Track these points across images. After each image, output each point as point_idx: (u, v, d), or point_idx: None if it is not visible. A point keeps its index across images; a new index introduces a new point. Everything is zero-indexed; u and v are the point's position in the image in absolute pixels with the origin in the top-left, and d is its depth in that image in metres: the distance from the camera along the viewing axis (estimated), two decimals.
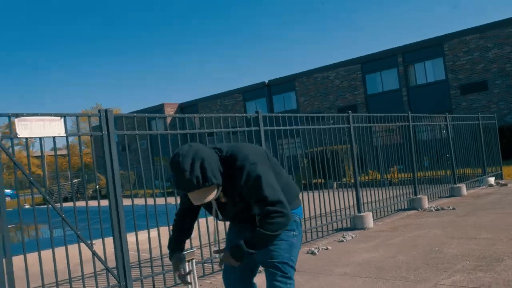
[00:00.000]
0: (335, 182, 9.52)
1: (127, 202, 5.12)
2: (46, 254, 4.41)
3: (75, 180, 23.83)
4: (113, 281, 4.73)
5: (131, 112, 34.55)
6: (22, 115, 4.36)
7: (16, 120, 4.36)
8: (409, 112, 10.36)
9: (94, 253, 4.59)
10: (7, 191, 18.56)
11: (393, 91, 25.95)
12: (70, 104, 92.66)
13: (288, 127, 6.97)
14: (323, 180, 7.98)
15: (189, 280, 2.90)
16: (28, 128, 4.45)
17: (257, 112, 6.46)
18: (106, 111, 4.92)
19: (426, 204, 9.57)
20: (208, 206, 2.67)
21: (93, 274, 4.72)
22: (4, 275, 4.02)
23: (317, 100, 28.84)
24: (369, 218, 7.82)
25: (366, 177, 9.99)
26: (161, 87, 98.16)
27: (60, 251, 4.49)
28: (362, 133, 8.81)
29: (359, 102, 27.03)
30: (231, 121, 6.11)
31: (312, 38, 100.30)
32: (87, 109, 50.68)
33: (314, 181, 8.04)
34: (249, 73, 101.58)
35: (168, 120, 32.54)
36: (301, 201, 2.88)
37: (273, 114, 6.89)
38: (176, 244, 2.80)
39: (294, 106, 30.01)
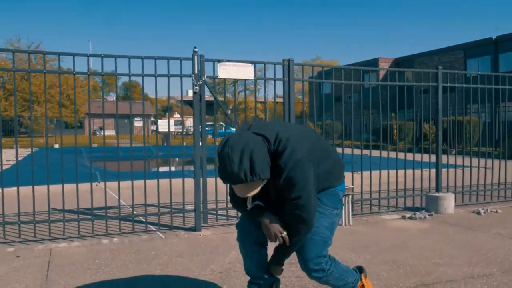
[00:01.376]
0: None
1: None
2: None
3: None
4: None
5: (347, 65, 35.34)
6: (223, 61, 5.51)
7: (218, 65, 5.54)
8: None
9: None
10: (222, 130, 21.55)
11: None
12: (298, 54, 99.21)
13: (472, 86, 6.81)
14: None
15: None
16: (226, 71, 5.60)
17: (437, 68, 6.53)
18: (288, 60, 5.76)
19: None
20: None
21: None
22: (200, 188, 5.37)
23: None
24: None
25: None
26: (380, 42, 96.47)
27: None
28: None
29: None
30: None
31: None
32: (308, 59, 54.15)
33: None
34: (472, 28, 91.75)
35: (382, 74, 32.41)
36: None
37: (455, 72, 6.80)
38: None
39: None
